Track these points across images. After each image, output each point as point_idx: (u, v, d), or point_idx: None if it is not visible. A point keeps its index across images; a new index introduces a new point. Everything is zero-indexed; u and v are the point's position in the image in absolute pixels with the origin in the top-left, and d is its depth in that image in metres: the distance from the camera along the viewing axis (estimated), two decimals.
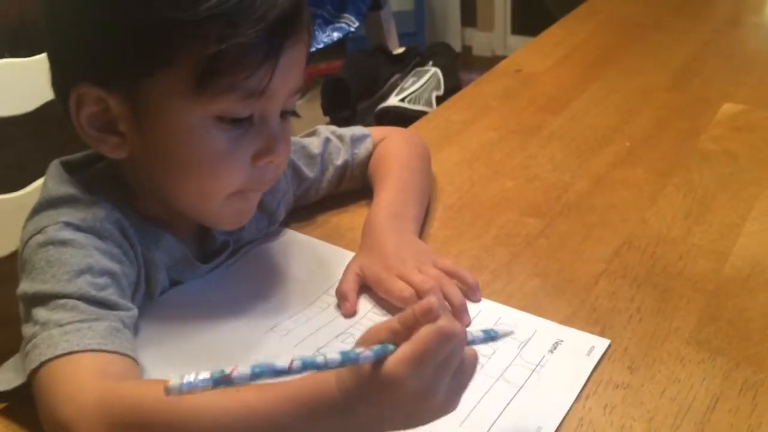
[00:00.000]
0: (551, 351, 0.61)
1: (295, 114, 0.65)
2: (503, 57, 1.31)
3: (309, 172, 0.79)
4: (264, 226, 0.76)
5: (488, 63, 1.29)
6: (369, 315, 0.66)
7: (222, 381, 0.41)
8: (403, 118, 1.49)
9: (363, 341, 0.48)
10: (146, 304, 0.65)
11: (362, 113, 1.65)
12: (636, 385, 0.57)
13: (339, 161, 0.81)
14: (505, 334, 0.55)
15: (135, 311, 0.59)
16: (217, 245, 0.71)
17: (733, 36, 1.34)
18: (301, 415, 0.47)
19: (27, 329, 0.55)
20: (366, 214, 0.75)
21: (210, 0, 0.54)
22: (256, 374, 0.42)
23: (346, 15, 1.65)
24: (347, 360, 0.45)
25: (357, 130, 0.83)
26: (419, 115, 1.32)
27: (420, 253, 0.69)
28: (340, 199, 0.83)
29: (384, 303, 0.66)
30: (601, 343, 0.61)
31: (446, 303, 0.64)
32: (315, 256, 0.75)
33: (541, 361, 0.60)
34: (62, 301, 0.55)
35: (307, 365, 0.43)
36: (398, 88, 1.63)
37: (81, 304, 0.55)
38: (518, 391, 0.57)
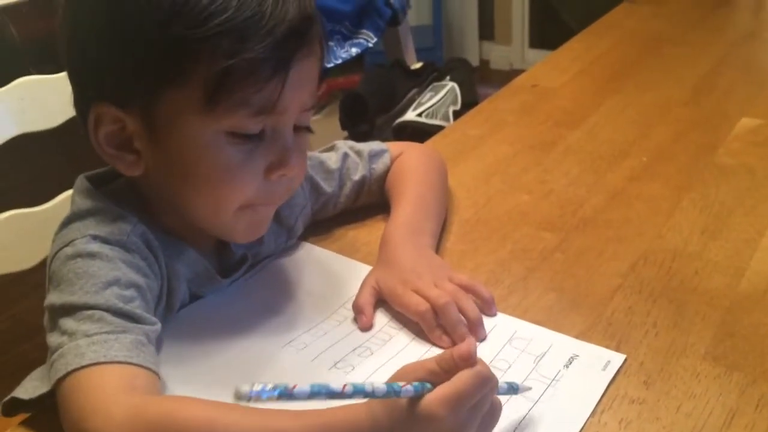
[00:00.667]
0: (567, 366, 0.61)
1: (309, 130, 0.66)
2: (521, 71, 1.32)
3: (327, 187, 0.80)
4: (282, 240, 0.77)
5: (506, 77, 1.31)
6: (385, 329, 0.66)
7: (285, 394, 0.44)
8: (420, 132, 1.50)
9: (399, 377, 0.50)
10: (166, 318, 0.66)
11: (380, 128, 1.67)
12: (652, 400, 0.58)
13: (357, 176, 0.81)
14: (525, 389, 0.58)
15: (159, 326, 0.59)
16: (236, 259, 0.72)
17: (751, 50, 1.34)
18: None
19: (53, 339, 0.56)
20: (382, 229, 0.76)
21: (219, 16, 0.55)
22: (314, 393, 0.45)
23: (365, 31, 1.67)
24: (391, 391, 0.48)
25: (375, 145, 0.84)
26: (436, 129, 1.33)
27: (436, 267, 0.70)
28: (357, 213, 0.84)
29: (400, 317, 0.67)
30: (617, 358, 0.62)
31: (462, 317, 0.64)
32: (332, 269, 0.76)
33: (556, 376, 0.60)
34: (89, 312, 0.56)
35: (358, 391, 0.47)
36: (416, 102, 1.65)
37: (108, 316, 0.56)
38: (534, 405, 0.57)
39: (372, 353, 0.63)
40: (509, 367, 0.61)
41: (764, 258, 0.74)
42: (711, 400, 0.57)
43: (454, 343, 0.63)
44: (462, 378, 0.49)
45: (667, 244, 0.78)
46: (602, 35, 1.42)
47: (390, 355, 0.63)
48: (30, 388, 0.59)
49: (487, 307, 0.67)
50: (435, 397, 0.49)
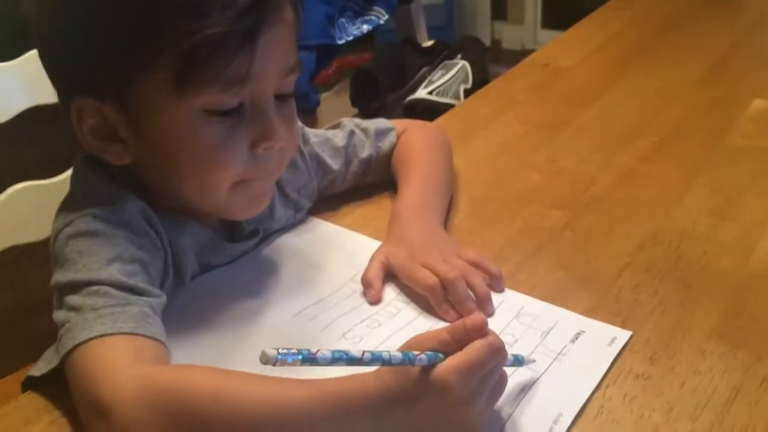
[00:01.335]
0: (573, 341, 0.62)
1: (293, 95, 0.64)
2: (533, 51, 1.31)
3: (334, 165, 0.80)
4: (291, 215, 0.78)
5: (517, 57, 1.30)
6: (393, 302, 0.67)
7: (308, 359, 0.45)
8: (430, 110, 1.50)
9: (411, 346, 0.51)
10: (177, 289, 0.67)
11: (390, 105, 1.66)
12: (656, 376, 0.58)
13: (364, 154, 0.82)
14: (530, 362, 0.58)
15: (164, 298, 0.60)
16: (247, 232, 0.73)
17: (766, 32, 1.33)
18: (338, 412, 0.50)
19: (60, 315, 0.56)
20: (391, 205, 0.77)
21: None
22: (336, 358, 0.46)
23: (376, 8, 1.66)
24: (406, 359, 0.49)
25: (381, 123, 0.84)
26: (447, 107, 1.33)
27: (445, 243, 0.71)
28: (366, 190, 0.84)
29: (408, 291, 0.68)
30: (623, 335, 0.62)
31: (470, 292, 0.65)
32: (341, 244, 0.76)
33: (562, 350, 0.61)
34: (95, 288, 0.56)
35: (375, 358, 0.48)
36: (426, 80, 1.64)
37: (113, 290, 0.56)
38: (539, 378, 0.58)
39: (380, 325, 0.64)
40: (516, 341, 0.62)
41: None
42: (716, 377, 0.58)
43: (461, 317, 0.63)
44: (474, 348, 0.50)
45: (677, 224, 0.78)
46: (615, 15, 1.41)
47: (397, 327, 0.64)
48: (41, 366, 0.60)
49: (496, 283, 0.68)
50: (447, 366, 0.49)
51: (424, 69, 1.72)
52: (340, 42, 1.57)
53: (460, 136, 0.97)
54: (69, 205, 0.62)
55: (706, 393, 0.56)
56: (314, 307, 0.66)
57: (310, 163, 0.78)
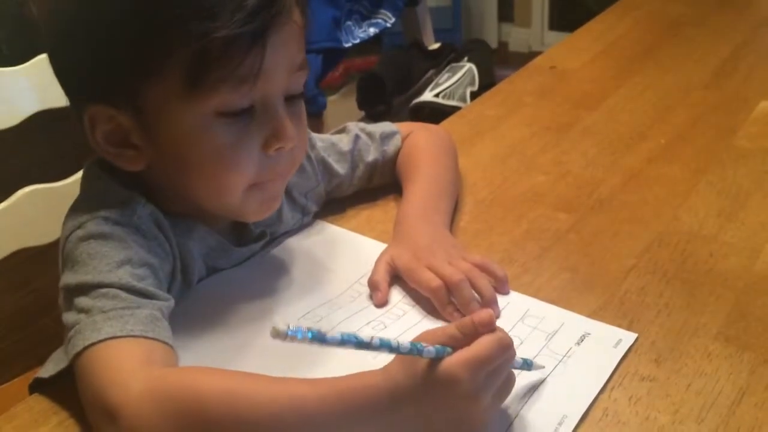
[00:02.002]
0: (578, 343, 0.62)
1: (302, 96, 0.65)
2: (540, 53, 1.31)
3: (340, 169, 0.80)
4: (298, 218, 0.78)
5: (525, 59, 1.30)
6: (399, 305, 0.67)
7: (317, 338, 0.45)
8: (437, 113, 1.50)
9: (418, 341, 0.50)
10: (184, 293, 0.67)
11: (397, 108, 1.67)
12: (662, 377, 0.58)
13: (369, 158, 0.82)
14: (538, 367, 0.58)
15: (172, 302, 0.60)
16: (254, 236, 0.73)
17: None
18: (347, 409, 0.50)
19: (69, 317, 0.57)
20: (396, 208, 0.77)
21: None
22: (345, 340, 0.47)
23: (383, 11, 1.66)
24: (414, 349, 0.49)
25: (386, 127, 0.84)
26: (453, 110, 1.32)
27: (450, 245, 0.71)
28: (372, 193, 0.84)
29: (414, 293, 0.68)
30: (629, 337, 0.62)
31: (475, 295, 0.65)
32: (347, 247, 0.76)
33: (567, 353, 0.61)
34: (104, 290, 0.56)
35: (384, 344, 0.48)
36: (433, 83, 1.65)
37: (122, 293, 0.57)
38: (545, 379, 0.58)
39: (385, 327, 0.64)
40: (521, 343, 0.62)
41: None
42: (721, 379, 0.57)
43: None
44: (483, 342, 0.50)
45: (683, 226, 0.78)
46: (622, 17, 1.41)
47: (403, 329, 0.64)
48: (50, 367, 0.61)
49: (501, 286, 0.68)
50: (455, 359, 0.49)
51: (431, 72, 1.72)
52: (347, 45, 1.58)
53: (467, 138, 0.97)
54: (79, 208, 0.63)
55: (712, 395, 0.56)
56: (320, 309, 0.66)
57: (317, 167, 0.78)
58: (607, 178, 0.87)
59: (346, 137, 0.82)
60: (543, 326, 0.64)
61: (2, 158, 1.75)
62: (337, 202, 0.83)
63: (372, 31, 1.64)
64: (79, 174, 0.91)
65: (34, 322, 1.56)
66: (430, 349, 0.49)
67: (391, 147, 0.83)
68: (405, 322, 0.65)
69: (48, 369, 0.61)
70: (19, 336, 1.61)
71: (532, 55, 2.12)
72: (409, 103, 1.65)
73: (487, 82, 1.63)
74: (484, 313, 0.51)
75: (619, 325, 0.64)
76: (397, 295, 0.68)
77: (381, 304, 0.67)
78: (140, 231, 0.62)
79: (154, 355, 0.55)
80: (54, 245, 0.86)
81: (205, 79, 0.57)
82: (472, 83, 1.63)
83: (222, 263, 0.71)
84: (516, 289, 0.69)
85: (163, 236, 0.64)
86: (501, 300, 0.66)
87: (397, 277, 0.69)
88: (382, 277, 0.68)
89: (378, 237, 0.77)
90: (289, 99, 0.63)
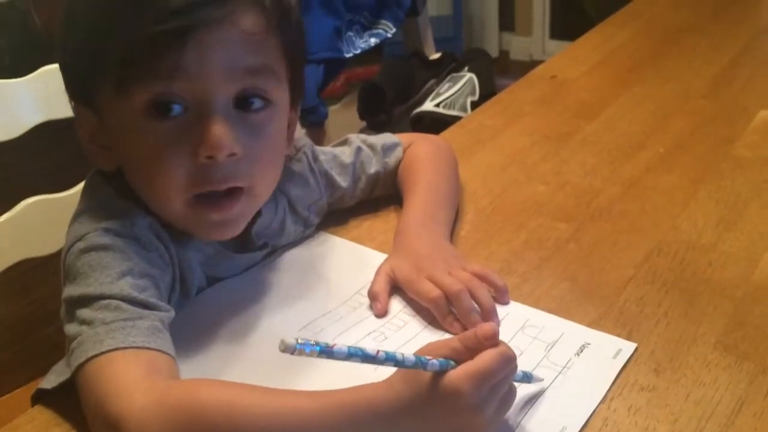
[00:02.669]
0: (578, 354, 0.62)
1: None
2: (541, 62, 1.32)
3: (342, 182, 0.81)
4: (300, 231, 0.78)
5: (526, 68, 1.30)
6: (399, 315, 0.67)
7: (325, 351, 0.46)
8: (437, 123, 1.50)
9: (421, 353, 0.51)
10: (183, 303, 0.67)
11: (398, 118, 1.67)
12: (661, 387, 0.58)
13: (371, 171, 0.82)
14: (538, 380, 0.58)
15: (172, 312, 0.61)
16: (255, 246, 0.73)
17: None
18: (349, 421, 0.50)
19: (71, 328, 0.57)
20: (397, 218, 0.77)
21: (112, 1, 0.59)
22: (351, 354, 0.47)
23: (384, 21, 1.67)
24: (419, 362, 0.49)
25: (387, 138, 0.85)
26: (454, 120, 1.33)
27: (450, 256, 0.71)
28: (373, 204, 0.85)
29: (414, 304, 0.68)
30: (628, 347, 0.62)
31: (475, 305, 0.65)
32: (348, 257, 0.77)
33: (567, 363, 0.61)
34: (106, 302, 0.57)
35: (389, 358, 0.49)
36: (434, 93, 1.65)
37: (124, 305, 0.57)
38: (544, 391, 0.58)
39: (386, 338, 0.64)
40: (521, 354, 0.62)
41: None
42: (720, 389, 0.58)
43: (466, 330, 0.64)
44: (486, 356, 0.51)
45: (682, 235, 0.78)
46: (622, 26, 1.42)
47: (403, 340, 0.64)
48: (52, 379, 0.61)
49: (501, 296, 0.68)
50: (459, 372, 0.50)
51: (432, 81, 1.73)
52: (348, 55, 1.59)
53: (467, 148, 0.97)
54: (80, 219, 0.63)
55: (711, 405, 0.56)
56: (321, 320, 0.67)
57: (320, 180, 0.79)
58: (606, 188, 0.87)
59: (348, 149, 0.82)
60: (542, 336, 0.64)
61: (5, 169, 1.76)
62: (339, 212, 0.83)
63: (373, 41, 1.65)
64: (81, 185, 0.92)
65: (35, 332, 1.56)
66: (434, 362, 0.50)
67: (392, 159, 0.83)
68: (405, 332, 0.65)
69: (50, 380, 0.61)
70: (20, 346, 1.61)
71: (533, 63, 2.13)
72: (410, 112, 1.65)
73: (487, 92, 1.64)
74: (487, 327, 0.52)
75: (619, 335, 0.64)
76: (397, 305, 0.69)
77: (381, 314, 0.67)
78: (140, 242, 0.62)
79: (157, 366, 0.55)
80: (55, 255, 0.87)
81: (129, 77, 0.58)
82: (472, 93, 1.64)
83: (221, 271, 0.72)
84: (516, 299, 0.69)
85: (163, 246, 0.64)
86: (501, 310, 0.67)
87: (397, 288, 0.70)
88: (382, 288, 0.69)
89: (378, 247, 0.77)
90: (245, 106, 0.61)
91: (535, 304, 0.68)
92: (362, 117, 1.73)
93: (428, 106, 1.60)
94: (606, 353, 0.62)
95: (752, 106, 1.04)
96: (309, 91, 1.46)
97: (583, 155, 0.96)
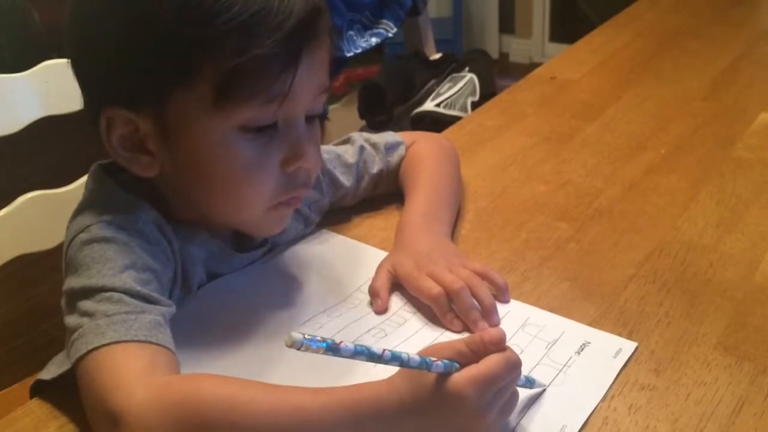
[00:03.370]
0: (578, 352, 0.62)
1: (323, 117, 0.66)
2: (540, 64, 1.32)
3: (345, 181, 0.81)
4: (300, 229, 0.78)
5: (525, 70, 1.30)
6: (400, 312, 0.67)
7: (331, 348, 0.46)
8: (438, 123, 1.50)
9: (427, 354, 0.51)
10: (184, 298, 0.67)
11: (398, 118, 1.67)
12: (662, 387, 0.58)
13: (374, 170, 0.82)
14: (541, 386, 0.58)
15: (173, 308, 0.61)
16: (256, 243, 0.73)
17: None
18: (350, 419, 0.50)
19: (72, 320, 0.57)
20: (398, 217, 0.77)
21: (225, 14, 0.55)
22: (357, 352, 0.47)
23: (385, 21, 1.67)
24: (423, 363, 0.49)
25: (389, 137, 0.85)
26: (454, 120, 1.33)
27: (451, 254, 0.71)
28: (373, 201, 0.85)
29: (414, 301, 0.68)
30: (628, 346, 0.62)
31: (475, 303, 0.65)
32: (348, 255, 0.77)
33: (567, 362, 0.61)
34: (108, 294, 0.56)
35: (395, 357, 0.49)
36: (434, 93, 1.65)
37: (126, 298, 0.57)
38: (545, 389, 0.58)
39: (386, 335, 0.64)
40: (521, 352, 0.62)
41: None
42: (721, 389, 0.58)
43: (466, 327, 0.64)
44: (491, 361, 0.51)
45: (683, 236, 0.78)
46: (622, 29, 1.42)
47: (403, 337, 0.64)
48: (52, 369, 0.61)
49: (501, 294, 0.68)
50: (464, 376, 0.50)
51: (432, 81, 1.73)
52: (349, 55, 1.58)
53: (467, 148, 0.97)
54: (84, 211, 0.63)
55: (711, 404, 0.56)
56: (321, 316, 0.67)
57: (323, 179, 0.79)
58: (606, 188, 0.88)
59: (351, 149, 0.82)
60: (543, 335, 0.64)
61: (5, 164, 1.75)
62: (340, 210, 0.83)
63: (374, 41, 1.64)
64: (81, 180, 0.92)
65: (33, 327, 1.56)
66: (439, 364, 0.49)
67: (395, 157, 0.83)
68: (406, 329, 0.65)
69: (50, 371, 0.61)
70: (18, 342, 1.60)
71: (532, 66, 2.13)
72: (410, 112, 1.65)
73: (488, 92, 1.63)
74: (494, 332, 0.52)
75: (619, 334, 0.64)
76: (397, 302, 0.69)
77: (381, 311, 0.67)
78: (144, 236, 0.62)
79: (158, 360, 0.55)
80: (54, 251, 0.87)
81: (234, 95, 0.57)
82: (473, 93, 1.64)
83: (223, 268, 0.72)
84: (516, 298, 0.69)
85: (166, 241, 0.64)
86: (501, 308, 0.67)
87: (397, 285, 0.70)
88: (383, 285, 0.69)
89: (379, 245, 0.77)
90: (309, 119, 0.64)
91: (536, 302, 0.68)
92: (362, 116, 1.73)
93: (429, 105, 1.60)
94: (606, 352, 0.62)
95: (752, 108, 1.05)
96: None
97: (584, 156, 0.96)
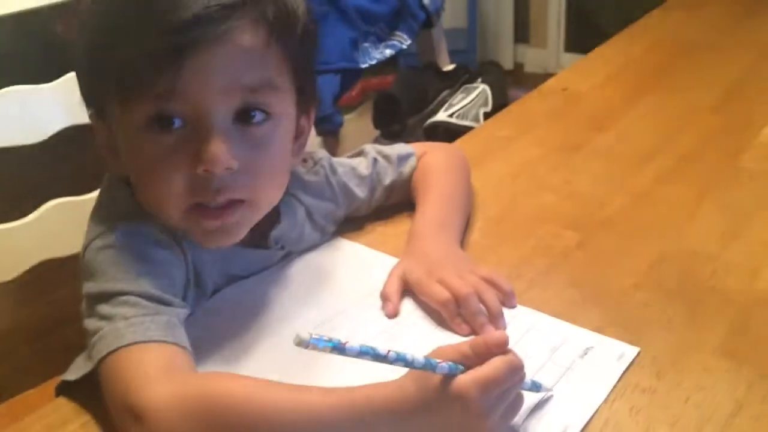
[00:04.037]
0: (581, 356, 0.64)
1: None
2: (555, 74, 1.33)
3: (360, 193, 0.82)
4: (317, 238, 0.81)
5: (540, 80, 1.32)
6: (410, 316, 0.70)
7: (337, 348, 0.48)
8: (451, 133, 1.53)
9: (433, 356, 0.53)
10: (200, 301, 0.70)
11: (412, 128, 1.70)
12: (662, 390, 0.60)
13: (387, 181, 0.84)
14: (547, 390, 0.59)
15: (187, 309, 0.63)
16: (268, 242, 0.75)
17: None
18: (358, 418, 0.52)
19: (92, 324, 0.60)
20: (409, 224, 0.80)
21: (113, 17, 0.60)
22: (363, 352, 0.49)
23: (399, 33, 1.70)
24: (428, 364, 0.51)
25: (401, 148, 0.87)
26: (466, 130, 1.35)
27: (460, 260, 0.73)
28: (386, 210, 0.87)
29: (424, 306, 0.70)
30: (631, 350, 0.64)
31: (482, 308, 0.67)
32: (361, 261, 0.79)
33: (571, 366, 0.63)
34: (125, 298, 0.59)
35: (400, 358, 0.50)
36: (447, 104, 1.68)
37: (143, 301, 0.60)
38: (552, 395, 0.60)
39: (396, 338, 0.67)
40: (526, 356, 0.63)
41: None
42: (720, 393, 0.59)
43: (473, 331, 0.66)
44: (495, 363, 0.52)
45: (687, 244, 0.79)
46: (634, 41, 1.44)
47: (413, 340, 0.66)
48: (74, 370, 0.64)
49: (508, 300, 0.70)
50: (467, 378, 0.52)
51: (445, 92, 1.75)
52: (364, 66, 1.62)
53: (479, 157, 0.99)
54: (98, 217, 0.66)
55: (710, 407, 0.58)
56: (334, 320, 0.69)
57: (338, 192, 0.81)
58: (614, 198, 0.89)
59: (365, 161, 0.84)
60: (548, 340, 0.66)
61: (31, 172, 1.79)
62: (353, 218, 0.85)
63: (388, 52, 1.67)
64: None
65: (53, 332, 1.59)
66: (443, 365, 0.51)
67: (407, 168, 0.85)
68: (415, 333, 0.67)
69: (73, 372, 0.63)
70: (38, 346, 1.64)
71: (547, 76, 2.14)
72: (423, 122, 1.68)
73: (500, 103, 1.66)
74: (497, 335, 0.53)
75: (623, 340, 0.65)
76: (408, 307, 0.71)
77: (392, 315, 0.69)
78: (156, 240, 0.64)
79: (176, 359, 0.57)
80: (72, 258, 0.89)
81: (131, 91, 0.60)
82: (485, 104, 1.66)
83: (237, 268, 0.74)
84: (523, 303, 0.71)
85: (178, 246, 0.66)
86: (507, 314, 0.68)
87: (408, 290, 0.72)
88: (394, 290, 0.71)
89: (391, 251, 0.79)
90: (246, 119, 0.61)
91: (542, 308, 0.70)
92: (377, 126, 1.76)
93: (442, 116, 1.63)
94: (609, 356, 0.63)
95: (759, 121, 1.06)
96: (325, 100, 1.49)
97: (593, 166, 0.97)
